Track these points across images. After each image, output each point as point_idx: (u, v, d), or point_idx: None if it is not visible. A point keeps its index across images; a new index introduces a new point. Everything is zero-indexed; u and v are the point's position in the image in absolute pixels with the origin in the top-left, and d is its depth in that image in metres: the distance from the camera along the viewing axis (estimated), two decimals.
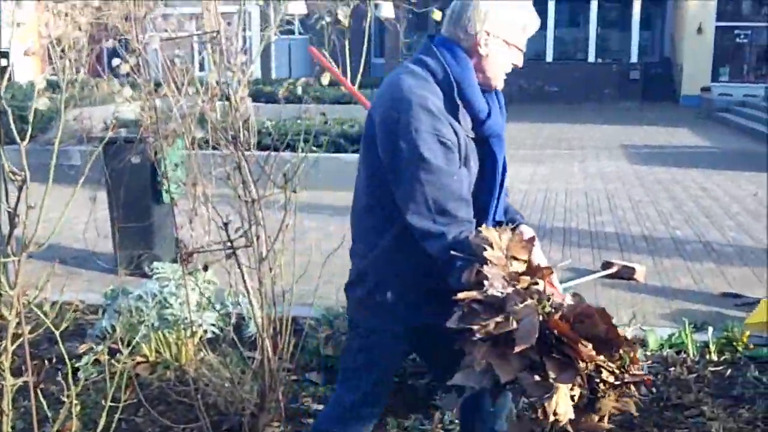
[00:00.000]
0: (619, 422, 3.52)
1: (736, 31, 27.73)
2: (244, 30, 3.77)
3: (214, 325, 4.15)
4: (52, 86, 3.18)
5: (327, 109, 17.00)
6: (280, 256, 3.65)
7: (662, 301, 5.62)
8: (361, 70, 21.54)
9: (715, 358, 4.44)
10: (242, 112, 3.64)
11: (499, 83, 2.45)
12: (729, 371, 4.28)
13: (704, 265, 6.59)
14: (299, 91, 4.64)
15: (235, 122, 3.51)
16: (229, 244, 3.55)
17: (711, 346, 4.51)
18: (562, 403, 1.87)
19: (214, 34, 3.51)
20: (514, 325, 1.91)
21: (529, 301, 1.96)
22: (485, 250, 2.06)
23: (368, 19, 22.34)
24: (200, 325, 4.04)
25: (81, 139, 4.82)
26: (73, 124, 4.77)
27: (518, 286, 2.03)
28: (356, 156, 9.69)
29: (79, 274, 6.25)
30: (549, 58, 29.65)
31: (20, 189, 2.08)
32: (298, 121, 10.52)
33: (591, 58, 29.22)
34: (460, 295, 2.02)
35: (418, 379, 4.00)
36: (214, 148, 3.62)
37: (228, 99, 3.50)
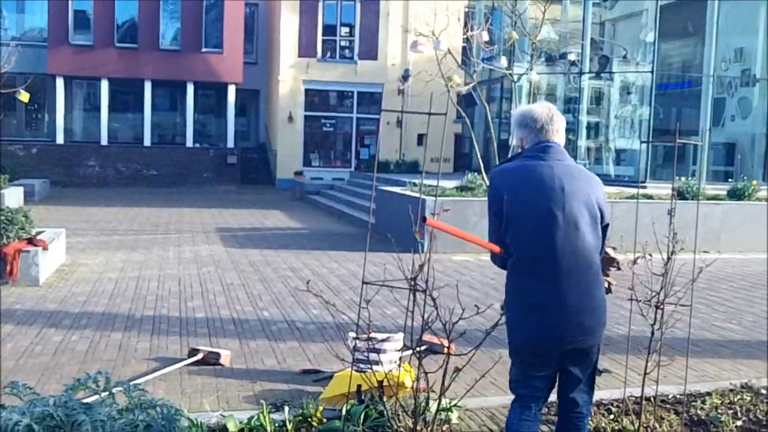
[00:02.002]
0: None
1: (323, 120, 30.22)
2: None
3: None
4: None
5: None
6: None
7: (246, 384, 5.77)
8: None
9: None
10: None
11: None
12: None
13: (288, 344, 6.93)
14: None
15: None
16: None
17: (288, 425, 4.72)
18: None
19: None
20: None
21: None
22: None
23: None
24: None
25: None
26: None
27: None
28: None
29: None
30: (147, 142, 29.60)
31: None
32: None
33: (189, 143, 29.72)
34: None
35: None
36: None
37: None
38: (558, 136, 3.70)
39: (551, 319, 3.45)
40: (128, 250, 12.34)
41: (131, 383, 4.24)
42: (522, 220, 3.51)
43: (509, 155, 4.77)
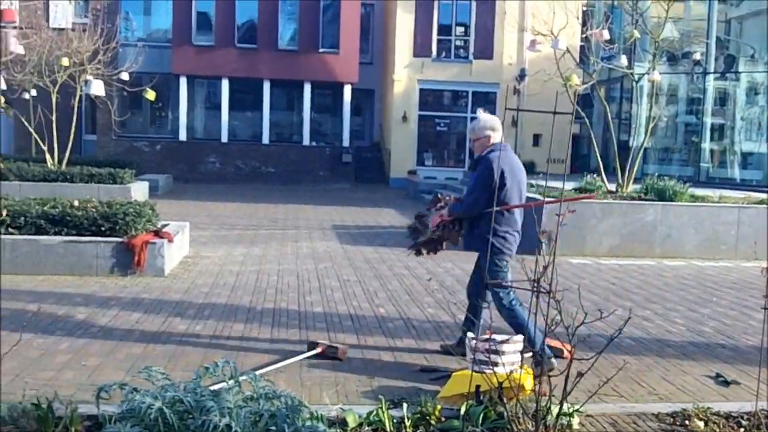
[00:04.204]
0: None
1: (437, 120, 30.23)
2: None
3: None
4: None
5: (29, 188, 16.02)
6: None
7: (364, 379, 5.82)
8: (70, 145, 20.59)
9: None
10: None
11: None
12: None
13: (404, 341, 6.96)
14: None
15: None
16: None
17: (406, 421, 4.74)
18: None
19: None
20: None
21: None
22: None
23: (77, 96, 21.51)
24: None
25: None
26: None
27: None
28: (56, 238, 9.09)
29: None
30: (266, 140, 30.31)
31: None
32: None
33: (306, 141, 30.27)
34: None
35: None
36: None
37: None
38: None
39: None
40: (248, 245, 12.68)
41: (255, 373, 4.35)
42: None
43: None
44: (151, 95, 21.37)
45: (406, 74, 29.19)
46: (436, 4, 29.23)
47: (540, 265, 4.11)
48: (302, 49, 29.33)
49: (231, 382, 4.11)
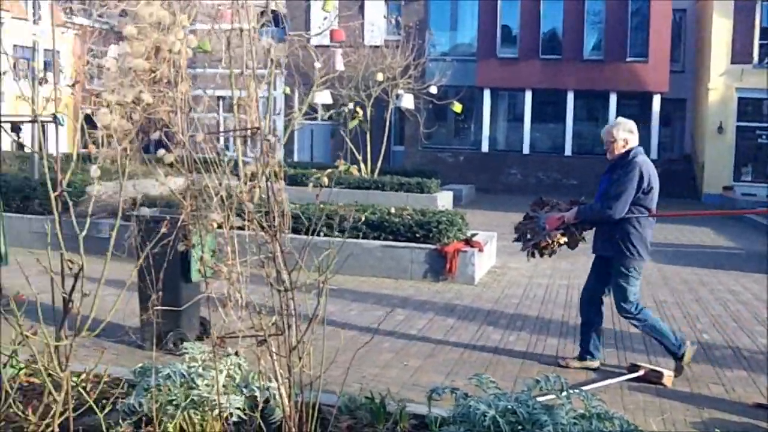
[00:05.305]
0: None
1: (758, 131, 27.95)
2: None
3: (239, 408, 4.07)
4: (84, 159, 3.24)
5: (347, 194, 17.15)
6: (309, 345, 3.64)
7: (693, 409, 5.46)
8: (381, 157, 21.82)
9: None
10: (279, 201, 3.68)
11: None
12: None
13: (734, 372, 6.43)
14: (325, 181, 4.67)
15: (272, 214, 3.56)
16: (261, 331, 3.57)
17: None
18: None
19: (255, 130, 3.61)
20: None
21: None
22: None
23: (389, 110, 22.75)
24: (226, 408, 3.98)
25: (110, 212, 4.85)
26: (103, 198, 4.81)
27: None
28: (375, 242, 9.57)
29: (106, 346, 6.17)
30: (567, 151, 29.91)
31: (76, 277, 2.05)
32: (321, 206, 10.58)
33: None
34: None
35: None
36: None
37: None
38: None
39: None
40: (555, 258, 12.47)
41: (587, 391, 4.22)
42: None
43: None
44: (457, 107, 21.99)
45: (722, 82, 27.28)
46: (758, 5, 27.01)
47: None
48: (608, 58, 28.56)
49: (563, 397, 4.02)
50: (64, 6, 31.44)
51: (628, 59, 28.37)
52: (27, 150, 19.72)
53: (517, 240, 6.81)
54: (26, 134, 18.22)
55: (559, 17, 28.99)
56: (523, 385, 4.15)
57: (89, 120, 2.99)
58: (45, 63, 26.59)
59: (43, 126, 3.69)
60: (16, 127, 16.62)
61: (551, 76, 28.96)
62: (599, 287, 6.45)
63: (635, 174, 5.99)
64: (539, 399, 4.28)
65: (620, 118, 6.43)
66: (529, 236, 6.59)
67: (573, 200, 6.59)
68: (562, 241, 6.40)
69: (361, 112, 19.37)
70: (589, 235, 6.44)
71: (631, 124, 6.27)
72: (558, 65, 28.99)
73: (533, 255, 6.66)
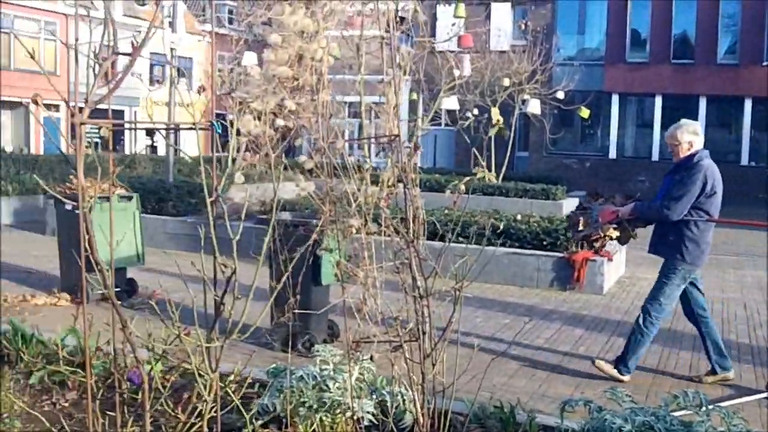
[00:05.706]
0: None
1: None
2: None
3: (370, 412, 4.13)
4: (219, 162, 3.39)
5: (473, 200, 17.11)
6: (443, 353, 3.67)
7: None
8: (506, 162, 21.66)
9: None
10: (416, 207, 3.73)
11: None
12: None
13: None
14: (463, 188, 4.69)
15: (409, 220, 3.61)
16: (397, 337, 3.62)
17: None
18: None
19: (393, 138, 3.67)
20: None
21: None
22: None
23: (515, 115, 22.56)
24: (358, 412, 4.05)
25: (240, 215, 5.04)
26: (238, 201, 5.00)
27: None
28: (501, 249, 9.48)
29: (236, 346, 6.40)
30: None
31: (228, 280, 2.15)
32: (446, 211, 10.62)
33: (744, 161, 28.21)
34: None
35: None
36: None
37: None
38: None
39: None
40: None
41: (727, 408, 4.07)
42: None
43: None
44: (584, 113, 21.62)
45: None
46: None
47: None
48: (743, 62, 27.36)
49: (702, 413, 3.89)
50: (197, 15, 32.78)
51: (765, 63, 27.10)
52: (162, 153, 20.65)
53: (567, 229, 6.77)
54: (159, 138, 19.05)
55: (692, 20, 28.01)
56: (658, 400, 4.04)
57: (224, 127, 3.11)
58: (178, 70, 27.79)
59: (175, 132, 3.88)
60: (151, 132, 17.45)
61: (682, 81, 28.02)
62: (691, 296, 6.34)
63: (699, 177, 5.86)
64: (675, 414, 4.16)
65: (684, 120, 6.25)
66: (580, 227, 6.51)
67: (628, 195, 6.53)
68: (613, 236, 6.35)
69: (501, 120, 19.26)
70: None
71: (696, 126, 6.13)
72: (690, 70, 28.02)
73: (581, 246, 6.68)
